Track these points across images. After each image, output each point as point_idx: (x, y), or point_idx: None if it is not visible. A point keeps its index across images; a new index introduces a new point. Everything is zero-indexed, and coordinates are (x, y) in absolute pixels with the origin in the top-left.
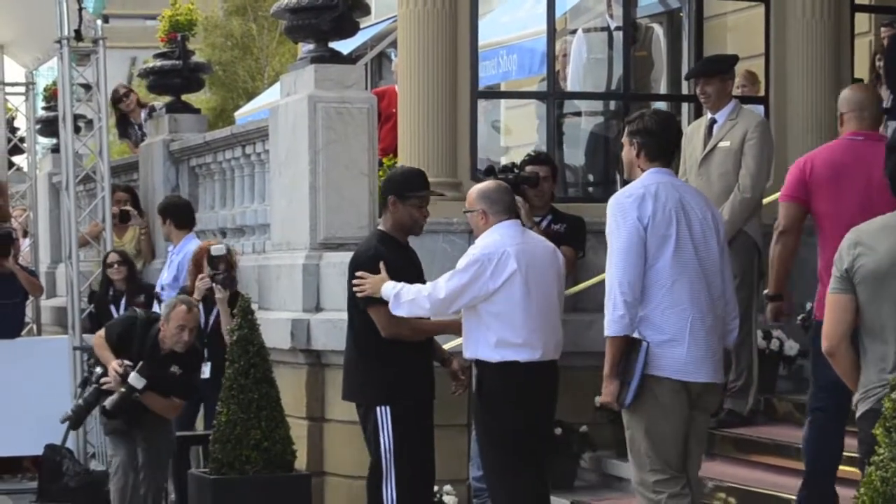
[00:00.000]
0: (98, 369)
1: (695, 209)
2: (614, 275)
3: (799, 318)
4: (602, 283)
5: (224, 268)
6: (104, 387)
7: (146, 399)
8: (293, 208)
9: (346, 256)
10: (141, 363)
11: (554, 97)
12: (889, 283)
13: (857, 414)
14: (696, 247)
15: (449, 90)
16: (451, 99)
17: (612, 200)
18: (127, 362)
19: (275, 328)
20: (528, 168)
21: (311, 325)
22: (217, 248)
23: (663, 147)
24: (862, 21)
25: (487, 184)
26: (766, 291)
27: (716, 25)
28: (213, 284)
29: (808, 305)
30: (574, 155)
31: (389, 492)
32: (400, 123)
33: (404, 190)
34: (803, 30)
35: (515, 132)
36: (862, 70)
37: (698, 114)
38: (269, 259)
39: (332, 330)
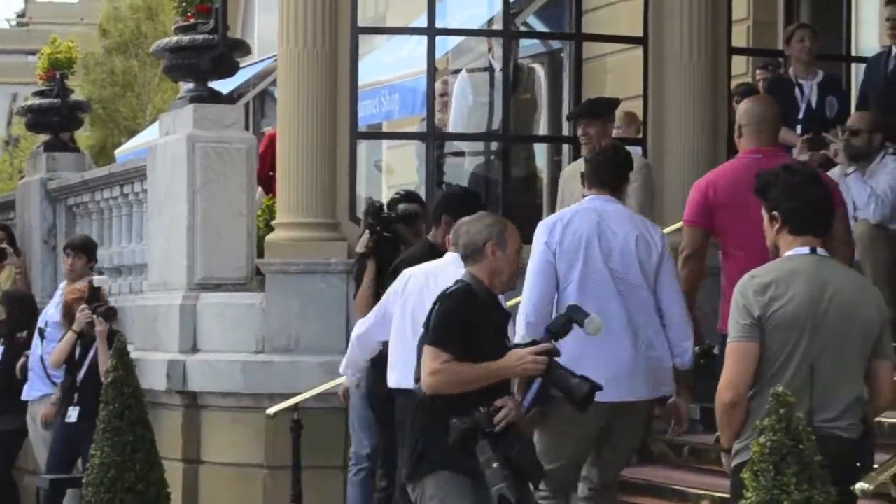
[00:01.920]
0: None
1: (617, 233)
2: (523, 297)
3: None
4: None
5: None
6: (501, 426)
7: None
8: (171, 248)
9: (224, 297)
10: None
11: (433, 138)
12: (805, 330)
13: (738, 461)
14: (613, 270)
15: (328, 131)
16: (331, 139)
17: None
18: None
19: (151, 369)
20: (403, 206)
21: (188, 366)
22: (99, 280)
23: (599, 172)
24: (739, 63)
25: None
26: None
27: (596, 67)
28: (95, 317)
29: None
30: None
31: None
32: (279, 162)
33: (461, 209)
34: (681, 72)
35: (397, 172)
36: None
37: (577, 155)
38: (146, 299)
39: (208, 371)
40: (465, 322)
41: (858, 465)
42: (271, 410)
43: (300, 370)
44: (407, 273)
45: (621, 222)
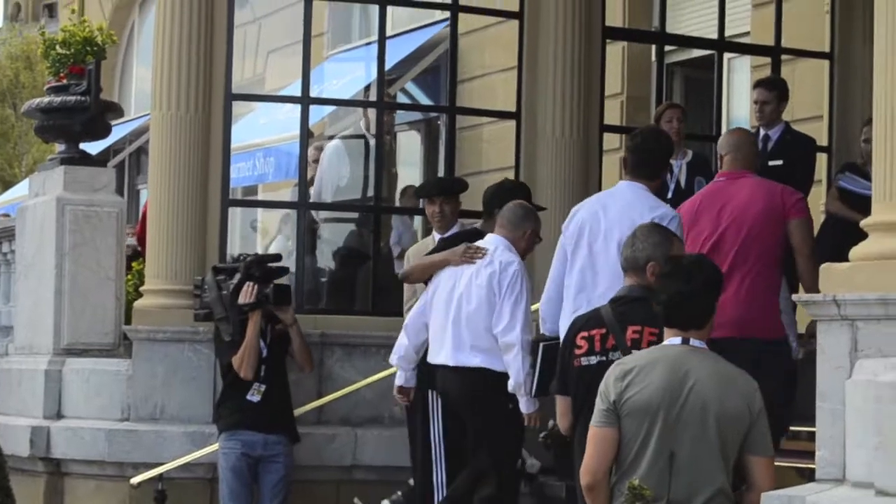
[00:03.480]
0: None
1: (610, 216)
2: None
3: (541, 435)
4: (344, 396)
5: None
6: None
7: None
8: (38, 311)
9: (90, 363)
10: None
11: (304, 207)
12: (658, 418)
13: None
14: (595, 255)
15: (200, 197)
16: (202, 206)
17: None
18: None
19: (14, 435)
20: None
21: (52, 432)
22: None
23: (637, 162)
24: (611, 139)
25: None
26: None
27: (472, 135)
28: None
29: (551, 423)
30: (327, 262)
31: (439, 476)
32: (150, 226)
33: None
34: (553, 146)
35: (272, 233)
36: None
37: None
38: (11, 362)
39: (72, 438)
40: None
41: None
42: (135, 480)
43: (165, 439)
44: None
45: (622, 205)
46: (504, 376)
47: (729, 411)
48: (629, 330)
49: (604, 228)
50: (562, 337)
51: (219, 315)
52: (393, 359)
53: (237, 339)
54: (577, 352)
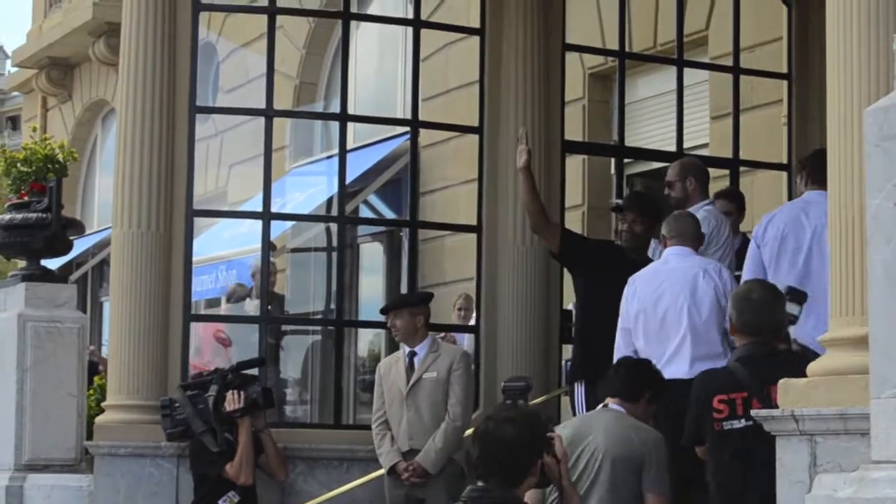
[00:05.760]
0: None
1: (811, 220)
2: None
3: None
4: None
5: None
6: None
7: None
8: None
9: (52, 479)
10: None
11: (266, 322)
12: None
13: None
14: (808, 251)
15: (161, 312)
16: (164, 321)
17: None
18: None
19: None
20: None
21: None
22: None
23: (817, 171)
24: None
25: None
26: None
27: (433, 247)
28: None
29: None
30: (290, 374)
31: None
32: (111, 341)
33: (646, 208)
34: (514, 257)
35: (237, 343)
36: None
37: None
38: None
39: None
40: None
41: None
42: None
43: None
44: (632, 279)
45: (822, 209)
46: None
47: None
48: (773, 391)
49: (808, 230)
50: None
51: (199, 429)
52: None
53: (225, 448)
54: (718, 416)
